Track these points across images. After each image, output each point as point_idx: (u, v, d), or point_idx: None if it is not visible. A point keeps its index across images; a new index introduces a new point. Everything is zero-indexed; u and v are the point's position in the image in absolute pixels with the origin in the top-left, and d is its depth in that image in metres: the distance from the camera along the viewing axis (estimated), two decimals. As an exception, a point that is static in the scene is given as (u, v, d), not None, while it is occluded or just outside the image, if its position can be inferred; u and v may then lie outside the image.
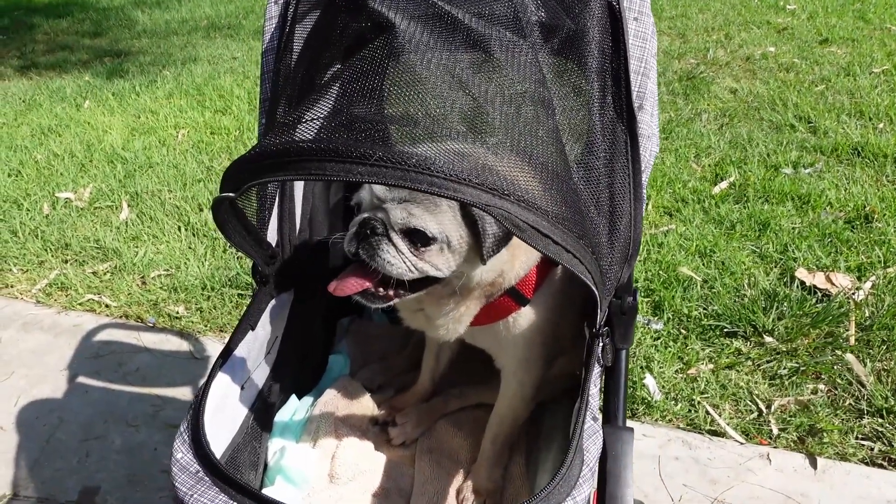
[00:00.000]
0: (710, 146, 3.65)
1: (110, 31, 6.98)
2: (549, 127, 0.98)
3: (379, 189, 1.14)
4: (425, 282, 1.19)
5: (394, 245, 1.13)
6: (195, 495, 0.95)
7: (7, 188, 3.68)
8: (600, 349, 1.10)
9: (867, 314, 2.40)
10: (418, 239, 1.12)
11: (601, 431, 1.02)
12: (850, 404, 2.09)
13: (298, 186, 1.51)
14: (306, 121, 0.96)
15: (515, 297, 1.29)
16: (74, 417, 2.24)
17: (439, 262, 1.15)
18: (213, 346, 2.51)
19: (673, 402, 2.15)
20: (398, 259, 1.13)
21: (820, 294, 2.50)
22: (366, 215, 1.15)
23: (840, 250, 2.73)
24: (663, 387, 2.19)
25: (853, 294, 2.48)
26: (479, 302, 1.29)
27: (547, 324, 1.35)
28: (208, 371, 1.21)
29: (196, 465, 0.98)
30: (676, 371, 2.25)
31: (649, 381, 2.20)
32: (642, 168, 1.15)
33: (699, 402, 2.13)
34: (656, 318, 2.46)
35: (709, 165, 3.47)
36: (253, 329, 1.30)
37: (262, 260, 1.31)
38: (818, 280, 2.56)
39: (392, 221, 1.12)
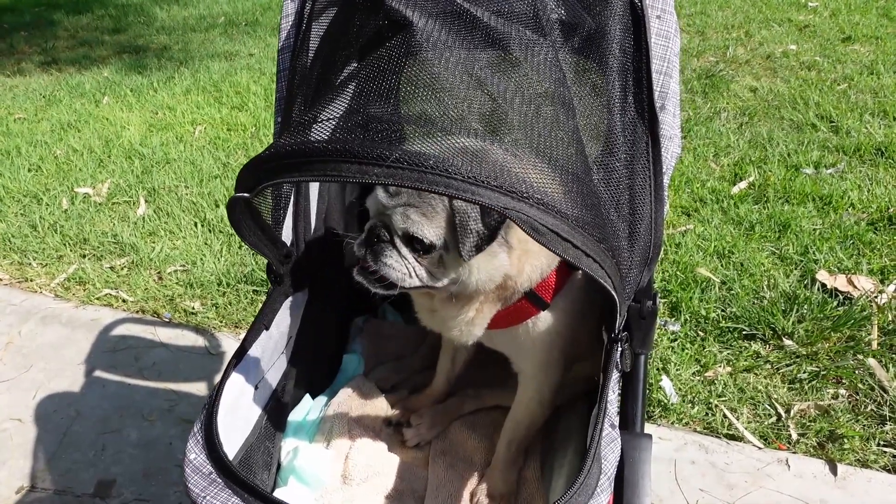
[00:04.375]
0: (729, 145, 3.60)
1: (129, 28, 7.03)
2: (570, 128, 0.96)
3: (383, 195, 1.15)
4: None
5: (397, 250, 1.14)
6: (208, 497, 0.94)
7: (27, 183, 3.72)
8: (619, 354, 1.08)
9: (890, 318, 2.35)
10: (420, 246, 1.14)
11: (619, 439, 1.00)
12: (871, 410, 2.05)
13: (314, 185, 1.50)
14: (322, 120, 0.94)
15: (534, 300, 1.27)
16: (91, 411, 2.25)
17: (436, 272, 1.16)
18: (229, 342, 2.52)
19: (690, 404, 2.12)
20: (400, 264, 1.15)
21: (841, 297, 2.45)
22: (373, 221, 1.17)
23: (862, 252, 2.68)
24: (680, 389, 2.16)
25: (876, 297, 2.43)
26: (493, 306, 1.27)
27: (567, 328, 1.33)
28: (222, 370, 1.21)
29: (209, 467, 0.98)
30: (693, 373, 2.22)
31: (666, 383, 2.17)
32: (664, 170, 1.13)
33: (716, 406, 2.10)
34: (673, 320, 2.42)
35: (728, 165, 3.42)
36: (267, 329, 1.30)
37: (277, 259, 1.30)
38: (840, 283, 2.51)
39: (394, 227, 1.13)
